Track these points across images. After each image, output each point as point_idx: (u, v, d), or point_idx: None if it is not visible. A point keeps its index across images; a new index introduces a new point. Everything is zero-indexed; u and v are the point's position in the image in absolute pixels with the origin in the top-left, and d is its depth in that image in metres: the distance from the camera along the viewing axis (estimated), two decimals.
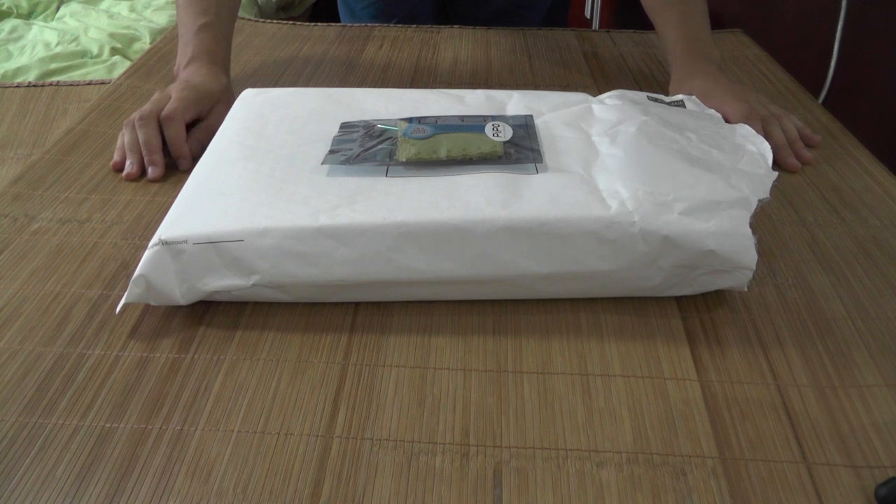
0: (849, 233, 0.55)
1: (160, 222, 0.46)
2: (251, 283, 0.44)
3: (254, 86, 0.63)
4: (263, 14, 1.74)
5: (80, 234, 0.54)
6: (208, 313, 0.46)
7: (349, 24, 0.98)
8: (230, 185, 0.48)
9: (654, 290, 0.47)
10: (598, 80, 0.82)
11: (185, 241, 0.44)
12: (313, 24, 0.97)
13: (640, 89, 0.69)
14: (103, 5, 1.51)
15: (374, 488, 0.36)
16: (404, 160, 0.49)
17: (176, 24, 0.75)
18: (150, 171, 0.61)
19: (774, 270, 0.51)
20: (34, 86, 0.86)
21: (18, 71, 1.18)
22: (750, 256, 0.45)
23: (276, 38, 0.93)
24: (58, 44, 1.28)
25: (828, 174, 0.63)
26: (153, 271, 0.44)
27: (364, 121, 0.55)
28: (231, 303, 0.47)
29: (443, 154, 0.49)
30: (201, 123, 0.65)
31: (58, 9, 1.50)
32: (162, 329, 0.45)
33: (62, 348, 0.44)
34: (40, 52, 1.26)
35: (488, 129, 0.52)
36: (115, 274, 0.50)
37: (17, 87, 0.86)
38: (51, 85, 0.86)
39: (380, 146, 0.51)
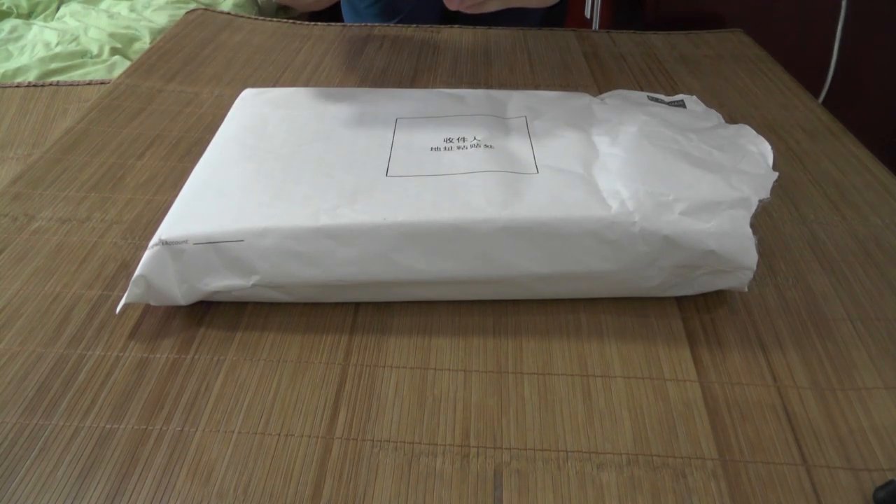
0: (849, 231, 0.55)
1: (160, 222, 0.46)
2: (251, 283, 0.44)
3: (254, 86, 0.63)
4: (263, 13, 1.73)
5: (80, 234, 0.54)
6: (208, 313, 0.46)
7: (349, 24, 0.98)
8: (230, 185, 0.48)
9: (655, 290, 0.47)
10: (598, 80, 0.81)
11: (186, 242, 0.44)
12: (313, 23, 0.97)
13: (641, 89, 0.69)
14: (103, 5, 1.50)
15: (375, 490, 0.36)
16: None
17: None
18: None
19: (774, 270, 0.51)
20: (34, 86, 0.86)
21: (18, 71, 1.18)
22: (750, 257, 0.45)
23: (276, 38, 0.92)
24: (58, 44, 1.28)
25: (829, 170, 0.63)
26: (153, 271, 0.44)
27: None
28: (231, 303, 0.47)
29: None
30: None
31: (58, 9, 1.49)
32: (162, 329, 0.45)
33: (62, 349, 0.44)
34: (40, 52, 1.26)
35: None
36: (115, 274, 0.50)
37: (17, 87, 0.86)
38: (51, 85, 0.86)
39: None
